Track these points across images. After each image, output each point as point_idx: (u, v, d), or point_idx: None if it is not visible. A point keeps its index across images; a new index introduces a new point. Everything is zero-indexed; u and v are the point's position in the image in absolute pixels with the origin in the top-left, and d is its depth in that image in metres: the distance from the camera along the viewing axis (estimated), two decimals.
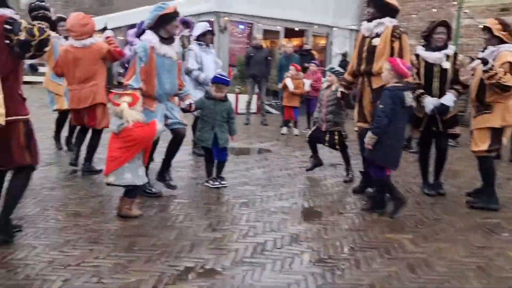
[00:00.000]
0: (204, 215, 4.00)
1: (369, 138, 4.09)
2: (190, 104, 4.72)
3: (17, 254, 3.04)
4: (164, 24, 4.29)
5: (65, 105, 5.89)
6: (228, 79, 5.05)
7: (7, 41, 2.96)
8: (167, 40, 4.35)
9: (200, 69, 6.15)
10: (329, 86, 5.47)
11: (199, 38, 6.29)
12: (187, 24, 6.59)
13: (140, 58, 4.21)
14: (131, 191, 3.86)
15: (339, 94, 5.14)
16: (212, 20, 12.66)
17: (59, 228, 3.54)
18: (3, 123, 2.89)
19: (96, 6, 34.39)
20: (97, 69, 5.19)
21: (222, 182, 4.96)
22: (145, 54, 4.22)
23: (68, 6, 33.77)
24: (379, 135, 4.03)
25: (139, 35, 5.23)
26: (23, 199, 3.57)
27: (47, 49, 3.06)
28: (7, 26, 2.94)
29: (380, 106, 4.05)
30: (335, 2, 15.05)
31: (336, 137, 5.42)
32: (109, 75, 5.63)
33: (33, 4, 3.13)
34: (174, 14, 4.32)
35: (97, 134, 5.29)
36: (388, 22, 4.51)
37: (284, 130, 9.10)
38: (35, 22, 3.02)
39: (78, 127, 5.61)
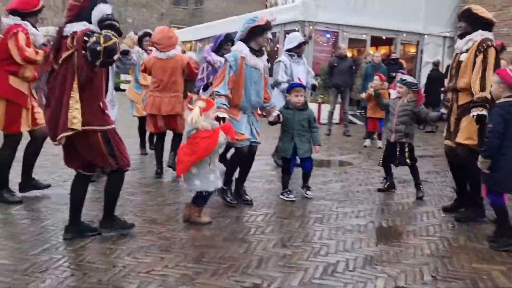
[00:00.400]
0: (276, 229, 3.90)
1: (481, 162, 3.66)
2: (278, 115, 4.68)
3: (93, 257, 3.16)
4: (255, 36, 4.36)
5: (142, 112, 6.36)
6: (304, 84, 5.04)
7: (83, 51, 3.13)
8: (257, 52, 4.40)
9: (290, 81, 5.95)
10: (399, 97, 5.25)
11: (292, 49, 6.14)
12: None
13: (231, 67, 4.30)
14: (199, 199, 3.89)
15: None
16: (297, 29, 12.60)
17: (135, 234, 3.63)
18: (79, 128, 3.16)
19: (188, 18, 36.03)
20: (178, 79, 5.45)
21: (307, 193, 4.91)
22: (235, 64, 4.31)
23: (163, 19, 35.76)
24: (491, 157, 3.59)
25: (215, 49, 5.38)
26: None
27: (116, 56, 3.17)
28: (85, 38, 3.12)
29: (489, 125, 3.63)
30: (426, 8, 14.29)
31: (406, 149, 5.11)
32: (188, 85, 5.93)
33: (102, 16, 3.23)
34: (266, 26, 4.36)
35: (178, 136, 5.56)
36: (479, 36, 4.16)
37: (367, 142, 8.76)
38: (103, 31, 3.15)
39: (155, 136, 5.90)
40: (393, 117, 5.19)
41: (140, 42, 5.89)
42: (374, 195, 5.18)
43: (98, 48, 3.03)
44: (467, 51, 4.23)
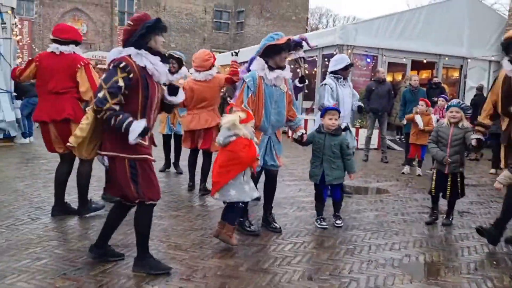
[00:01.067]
0: (303, 260, 3.72)
1: None
2: (302, 134, 4.54)
3: (114, 282, 3.09)
4: (272, 54, 4.22)
5: (165, 130, 7.12)
6: (338, 108, 4.89)
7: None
8: (277, 68, 4.25)
9: (336, 105, 5.71)
10: (454, 123, 4.85)
11: (338, 71, 5.93)
12: (299, 45, 6.21)
13: (249, 88, 4.18)
14: (232, 212, 3.81)
15: (474, 143, 4.50)
16: (335, 52, 12.48)
17: (158, 259, 3.54)
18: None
19: (229, 42, 36.69)
20: (216, 96, 5.85)
21: (337, 222, 4.72)
22: (253, 84, 4.19)
23: (205, 43, 36.55)
24: None
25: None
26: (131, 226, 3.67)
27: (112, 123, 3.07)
28: (106, 74, 3.14)
29: None
30: (471, 31, 13.86)
31: (459, 179, 4.87)
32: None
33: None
34: (284, 45, 4.22)
35: (208, 157, 5.81)
36: None
37: (406, 169, 8.41)
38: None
39: (190, 152, 6.11)
40: (445, 147, 4.85)
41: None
42: (411, 226, 4.90)
43: (106, 106, 2.98)
44: None
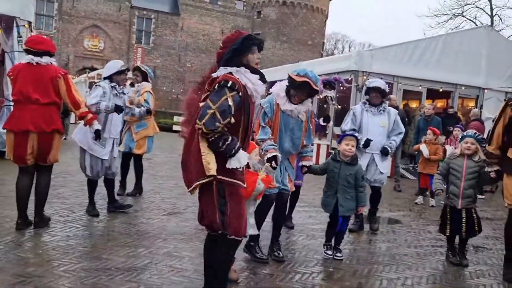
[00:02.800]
0: None
1: None
2: (304, 166, 4.43)
3: None
4: (289, 86, 4.17)
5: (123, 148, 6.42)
6: (357, 136, 4.66)
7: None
8: (296, 103, 4.18)
9: (357, 130, 5.49)
10: (468, 155, 4.60)
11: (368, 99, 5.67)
12: (330, 84, 6.21)
13: (265, 113, 4.15)
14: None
15: (493, 175, 4.36)
16: (350, 78, 12.43)
17: (159, 284, 3.41)
18: (215, 173, 2.75)
19: None
20: None
21: (337, 255, 4.46)
22: (270, 110, 4.17)
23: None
24: None
25: None
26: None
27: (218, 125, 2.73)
28: (216, 87, 2.80)
29: None
30: (487, 61, 13.73)
31: (475, 215, 4.60)
32: None
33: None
34: (297, 83, 4.09)
35: None
36: None
37: (419, 199, 8.21)
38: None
39: None
40: (459, 180, 4.58)
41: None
42: (424, 259, 4.69)
43: (219, 128, 2.68)
44: None
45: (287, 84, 4.20)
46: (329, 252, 4.48)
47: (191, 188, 2.83)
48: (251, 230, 3.62)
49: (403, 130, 5.88)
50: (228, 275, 2.99)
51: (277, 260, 4.22)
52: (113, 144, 5.33)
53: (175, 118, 24.24)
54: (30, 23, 9.59)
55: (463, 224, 4.57)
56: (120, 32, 35.79)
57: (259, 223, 4.23)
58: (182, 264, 3.91)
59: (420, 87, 13.30)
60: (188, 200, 6.62)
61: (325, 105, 6.07)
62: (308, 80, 4.04)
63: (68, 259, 3.78)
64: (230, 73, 2.81)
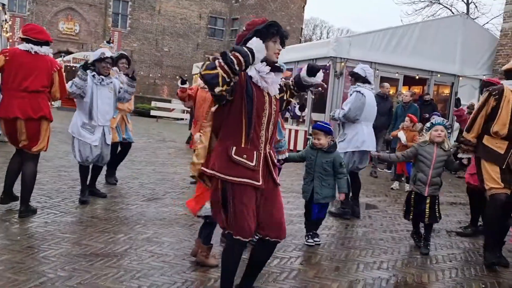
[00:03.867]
0: (289, 277, 3.62)
1: None
2: (279, 160, 4.43)
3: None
4: None
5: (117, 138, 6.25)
6: (328, 126, 4.57)
7: None
8: None
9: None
10: (438, 143, 4.60)
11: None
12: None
13: None
14: (207, 232, 3.62)
15: (465, 162, 4.49)
16: (328, 64, 12.49)
17: (139, 269, 3.42)
18: (196, 173, 2.81)
19: (223, 49, 36.70)
20: None
21: (315, 240, 4.55)
22: None
23: (198, 49, 36.54)
24: None
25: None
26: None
27: (217, 90, 2.57)
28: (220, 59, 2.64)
29: None
30: (462, 50, 13.96)
31: (437, 202, 4.65)
32: None
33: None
34: None
35: None
36: None
37: (395, 185, 8.38)
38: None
39: None
40: (427, 168, 4.58)
41: (115, 64, 5.95)
42: (399, 244, 4.83)
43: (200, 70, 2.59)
44: None
45: None
46: (311, 240, 4.54)
47: (205, 171, 2.79)
48: None
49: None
50: (233, 277, 2.89)
51: (252, 243, 4.27)
52: (103, 131, 5.32)
53: (153, 103, 23.96)
54: (3, 5, 9.31)
55: (427, 210, 4.58)
56: (95, 15, 34.98)
57: None
58: (162, 250, 3.93)
59: (397, 74, 13.45)
60: (167, 186, 6.62)
61: (302, 93, 6.06)
62: (286, 73, 4.16)
63: (47, 245, 3.76)
64: None
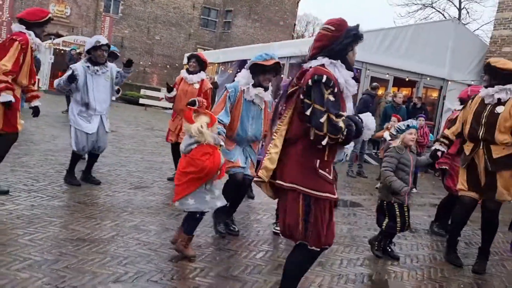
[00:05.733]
0: (274, 270, 3.67)
1: None
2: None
3: (78, 279, 2.98)
4: (257, 73, 4.21)
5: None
6: None
7: (303, 99, 2.57)
8: (260, 87, 4.24)
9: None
10: (409, 147, 4.44)
11: None
12: None
13: (229, 98, 4.17)
14: (189, 221, 3.64)
15: (440, 154, 4.56)
16: None
17: (126, 256, 3.44)
18: (265, 179, 2.64)
19: (215, 40, 36.51)
20: None
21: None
22: (234, 95, 4.21)
23: (190, 39, 36.28)
24: None
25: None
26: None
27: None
28: (310, 83, 2.54)
29: None
30: (452, 54, 14.15)
31: (408, 209, 4.49)
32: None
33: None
34: (269, 67, 4.17)
35: None
36: None
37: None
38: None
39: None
40: (407, 175, 4.35)
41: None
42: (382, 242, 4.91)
43: (343, 130, 2.46)
44: (500, 102, 4.14)
45: (253, 71, 4.20)
46: (278, 228, 4.57)
47: (283, 185, 2.64)
48: (218, 203, 3.65)
49: None
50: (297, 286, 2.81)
51: (232, 234, 4.34)
52: (101, 120, 5.34)
53: (142, 91, 23.78)
54: None
55: (407, 218, 4.40)
56: None
57: (235, 204, 4.42)
58: (149, 238, 3.95)
59: (387, 75, 13.58)
60: (154, 175, 6.62)
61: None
62: (277, 60, 4.19)
63: (34, 228, 3.75)
64: (322, 65, 2.59)
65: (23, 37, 4.50)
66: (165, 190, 5.77)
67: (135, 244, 3.75)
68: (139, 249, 3.66)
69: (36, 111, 4.90)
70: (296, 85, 2.67)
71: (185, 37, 36.37)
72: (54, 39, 24.55)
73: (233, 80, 4.52)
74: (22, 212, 4.14)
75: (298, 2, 39.70)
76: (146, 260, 3.46)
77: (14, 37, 4.49)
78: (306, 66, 2.67)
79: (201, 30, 36.95)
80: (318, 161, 2.60)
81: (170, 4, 36.66)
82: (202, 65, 6.22)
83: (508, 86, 4.09)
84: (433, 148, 4.63)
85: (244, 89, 4.22)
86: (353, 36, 2.62)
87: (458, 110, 5.62)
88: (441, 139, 4.58)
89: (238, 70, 4.83)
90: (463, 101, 5.32)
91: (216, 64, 18.98)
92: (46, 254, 3.29)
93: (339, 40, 2.61)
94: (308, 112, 2.50)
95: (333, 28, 2.64)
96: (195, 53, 6.43)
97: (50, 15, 4.76)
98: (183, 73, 6.35)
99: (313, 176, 2.59)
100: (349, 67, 2.65)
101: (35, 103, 4.89)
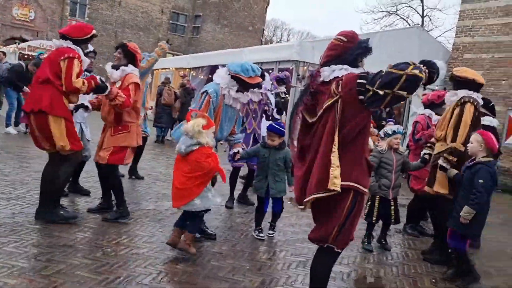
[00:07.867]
0: (258, 270, 3.81)
1: (468, 213, 3.91)
2: (235, 153, 4.60)
3: (68, 285, 3.02)
4: (240, 83, 4.30)
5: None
6: (282, 129, 4.72)
7: (360, 97, 2.60)
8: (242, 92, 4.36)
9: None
10: (395, 149, 4.97)
11: None
12: (282, 81, 6.61)
13: (212, 103, 4.23)
14: (193, 221, 3.80)
15: (427, 156, 4.87)
16: (291, 67, 12.77)
17: (119, 263, 3.50)
18: (338, 189, 2.53)
19: (184, 45, 36.43)
20: None
21: (269, 232, 4.84)
22: (216, 100, 4.25)
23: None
24: (477, 210, 3.90)
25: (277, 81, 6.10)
26: None
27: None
28: (360, 81, 2.62)
29: (480, 181, 3.88)
30: (418, 60, 14.65)
31: (397, 204, 5.07)
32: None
33: None
34: (252, 86, 4.32)
35: None
36: (463, 93, 4.55)
37: None
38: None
39: None
40: (390, 173, 4.90)
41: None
42: (359, 241, 5.11)
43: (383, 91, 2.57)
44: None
45: (236, 80, 4.27)
46: (262, 234, 4.75)
47: (307, 199, 2.66)
48: (218, 199, 3.92)
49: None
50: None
51: (210, 238, 4.41)
52: (81, 128, 5.34)
53: None
54: None
55: (392, 213, 4.96)
56: (52, 2, 33.84)
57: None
58: (136, 243, 4.02)
59: None
60: (135, 182, 6.65)
61: (277, 99, 6.38)
62: (260, 79, 4.35)
63: (18, 236, 3.76)
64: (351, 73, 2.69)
65: (77, 54, 4.24)
66: (145, 196, 5.82)
67: (122, 249, 3.81)
68: (126, 254, 3.72)
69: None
70: (337, 95, 2.65)
71: (154, 42, 36.09)
72: (19, 43, 23.96)
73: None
74: (3, 220, 4.12)
75: (266, 8, 40.11)
76: (134, 264, 3.53)
77: (71, 54, 4.17)
78: (326, 76, 2.74)
79: (170, 35, 36.76)
80: (365, 157, 2.70)
81: (138, 8, 36.38)
82: (129, 57, 4.73)
83: (459, 91, 4.59)
84: (422, 153, 4.97)
85: (225, 94, 4.28)
86: (364, 48, 2.79)
87: (422, 114, 6.03)
88: (449, 157, 4.80)
89: (210, 76, 4.93)
90: (426, 105, 5.98)
91: (187, 69, 18.99)
92: (34, 261, 3.32)
93: (351, 50, 2.75)
94: (388, 80, 2.65)
95: (345, 39, 2.78)
96: (124, 42, 5.17)
97: (94, 31, 4.49)
98: (107, 67, 4.83)
99: (365, 173, 2.68)
100: None
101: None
